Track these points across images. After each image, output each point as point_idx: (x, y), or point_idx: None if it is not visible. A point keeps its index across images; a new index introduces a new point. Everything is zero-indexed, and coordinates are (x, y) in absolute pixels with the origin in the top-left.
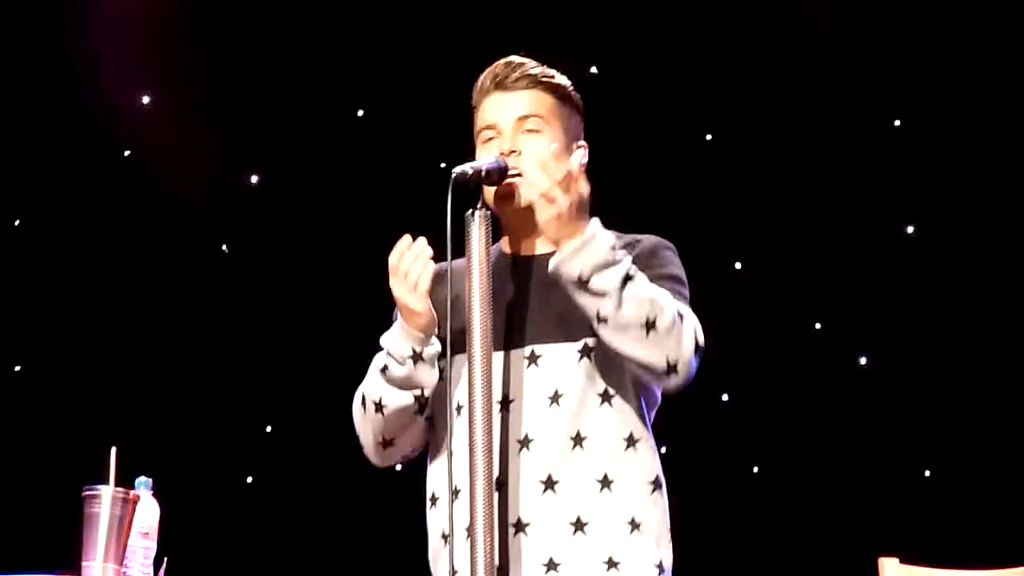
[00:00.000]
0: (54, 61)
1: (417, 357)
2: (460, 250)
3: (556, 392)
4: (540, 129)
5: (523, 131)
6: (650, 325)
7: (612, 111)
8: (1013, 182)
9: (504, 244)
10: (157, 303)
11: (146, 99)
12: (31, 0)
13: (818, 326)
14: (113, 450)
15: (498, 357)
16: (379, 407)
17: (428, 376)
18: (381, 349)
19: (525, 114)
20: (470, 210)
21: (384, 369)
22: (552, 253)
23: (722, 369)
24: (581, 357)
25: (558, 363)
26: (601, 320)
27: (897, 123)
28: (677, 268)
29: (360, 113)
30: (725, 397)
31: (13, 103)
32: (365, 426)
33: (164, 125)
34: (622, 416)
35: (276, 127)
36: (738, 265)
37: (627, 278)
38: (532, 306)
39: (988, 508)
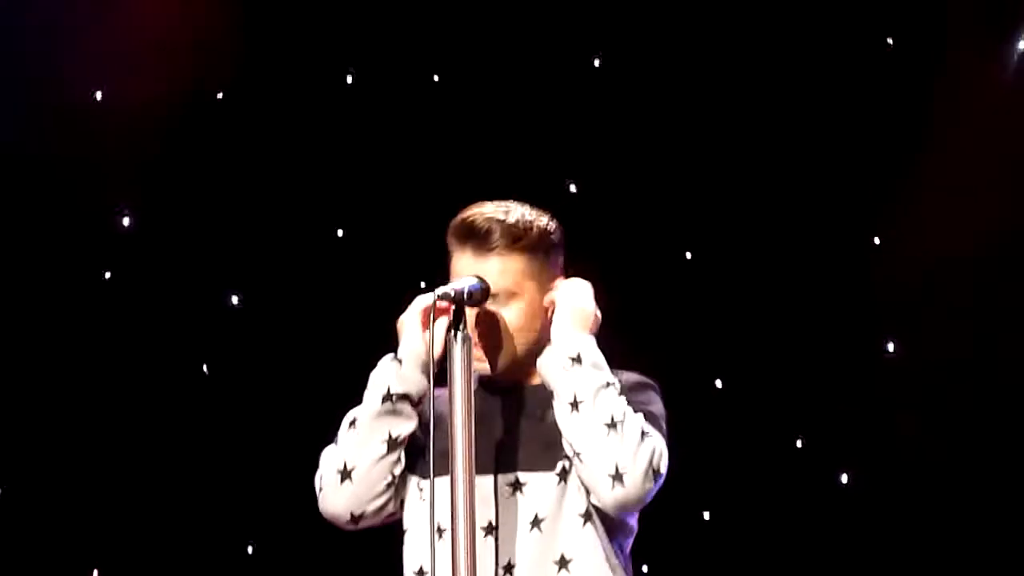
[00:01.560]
0: (36, 179)
1: (396, 360)
2: (442, 370)
3: (536, 516)
4: (511, 300)
5: (495, 304)
6: (612, 425)
7: (589, 233)
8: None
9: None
10: (138, 425)
11: (126, 221)
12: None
13: (799, 444)
14: (95, 573)
15: (485, 482)
16: (352, 422)
17: (397, 380)
18: None
19: (497, 291)
20: (452, 331)
21: (366, 391)
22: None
23: (703, 486)
24: (559, 480)
25: (540, 490)
26: (575, 405)
27: (877, 241)
28: (657, 406)
29: (340, 233)
30: (707, 515)
31: None
32: (331, 461)
33: (143, 247)
34: (603, 536)
35: (256, 247)
36: (719, 383)
37: (610, 384)
38: (518, 434)
39: None
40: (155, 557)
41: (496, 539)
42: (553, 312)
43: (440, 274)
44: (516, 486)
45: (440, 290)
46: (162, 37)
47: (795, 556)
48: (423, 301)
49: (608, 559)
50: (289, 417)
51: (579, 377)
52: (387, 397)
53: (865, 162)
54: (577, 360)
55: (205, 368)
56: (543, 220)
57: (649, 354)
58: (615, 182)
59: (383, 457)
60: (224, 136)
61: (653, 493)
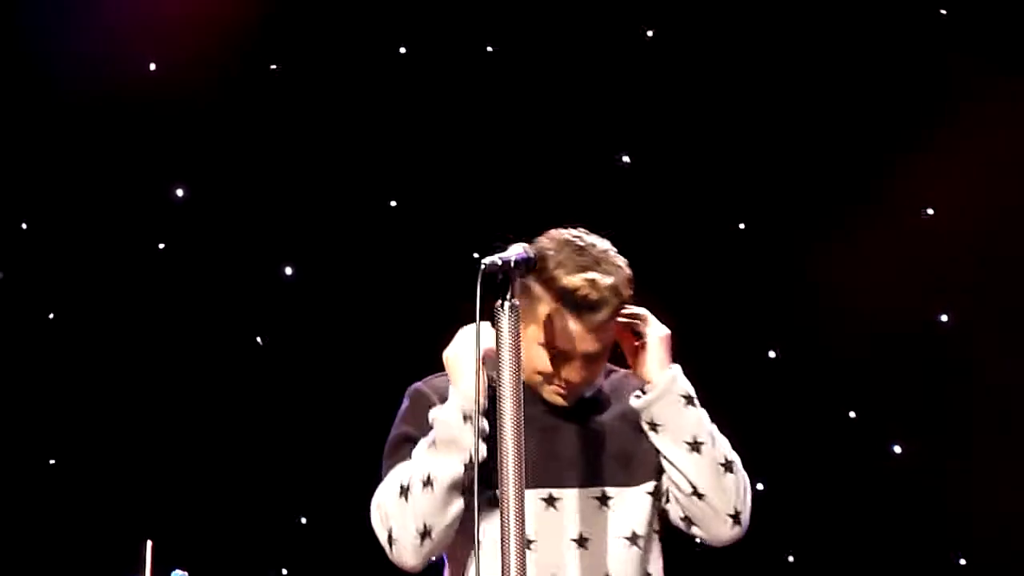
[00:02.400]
0: (91, 149)
1: (467, 419)
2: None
3: (634, 533)
4: (601, 355)
5: (589, 361)
6: (727, 466)
7: (647, 200)
8: None
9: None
10: (193, 396)
11: (180, 192)
12: (66, 89)
13: (852, 414)
14: (149, 544)
15: (570, 494)
16: (427, 483)
17: (473, 442)
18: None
19: (596, 352)
20: (499, 301)
21: (432, 443)
22: (591, 398)
23: (757, 456)
24: (651, 499)
25: (630, 505)
26: (694, 446)
27: (931, 212)
28: None
29: (393, 204)
30: (760, 486)
31: (44, 197)
32: (405, 517)
33: (198, 218)
34: (663, 552)
35: (309, 219)
36: (772, 354)
37: (711, 421)
38: (595, 448)
39: None
40: (209, 528)
41: (589, 551)
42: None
43: (488, 243)
44: (603, 500)
45: (488, 259)
46: (216, 8)
47: (847, 526)
48: (471, 337)
49: (664, 568)
50: (343, 388)
51: (695, 417)
52: (469, 465)
53: (921, 133)
54: (689, 400)
55: (259, 339)
56: (625, 264)
57: (704, 324)
58: (668, 153)
59: (461, 510)
60: (278, 108)
61: None
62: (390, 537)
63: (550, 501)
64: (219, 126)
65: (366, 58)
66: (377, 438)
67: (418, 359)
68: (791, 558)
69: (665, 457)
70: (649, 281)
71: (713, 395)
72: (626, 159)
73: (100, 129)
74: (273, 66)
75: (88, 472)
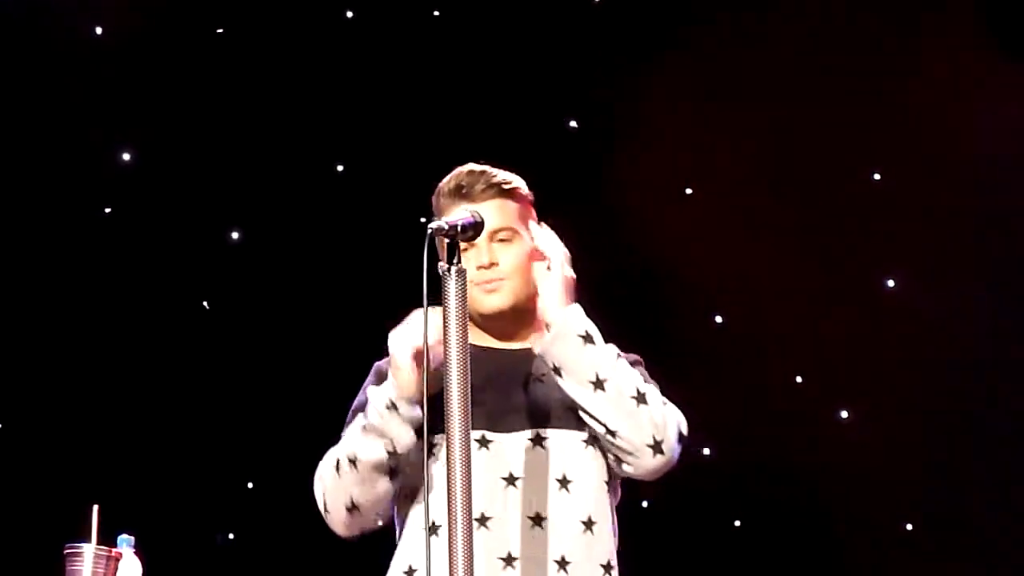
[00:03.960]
0: (36, 116)
1: (393, 407)
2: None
3: (564, 476)
4: (511, 239)
5: (496, 241)
6: (639, 398)
7: (590, 169)
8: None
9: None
10: (139, 360)
11: (126, 156)
12: (11, 52)
13: (799, 379)
14: (95, 508)
15: (504, 438)
16: (353, 462)
17: (400, 431)
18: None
19: (497, 227)
20: (446, 265)
21: (363, 426)
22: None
23: (704, 422)
24: (587, 445)
25: (566, 448)
26: (598, 384)
27: (877, 176)
28: (649, 379)
29: (339, 168)
30: (707, 451)
31: None
32: (336, 490)
33: (144, 182)
34: (613, 502)
35: (256, 183)
36: (719, 319)
37: (619, 355)
38: (532, 392)
39: (970, 564)
40: (156, 492)
41: (520, 490)
42: (538, 276)
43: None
44: (537, 440)
45: (434, 223)
46: None
47: (794, 492)
48: (407, 338)
49: (614, 522)
50: (289, 352)
51: (595, 355)
52: (392, 453)
53: (864, 87)
54: (588, 338)
55: (206, 304)
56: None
57: (650, 289)
58: (616, 117)
59: (387, 490)
60: (224, 72)
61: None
62: (324, 506)
63: (483, 442)
64: (165, 90)
65: (313, 22)
66: (323, 401)
67: (364, 324)
68: (737, 523)
69: (575, 403)
70: (597, 245)
71: (659, 360)
72: (573, 124)
73: (46, 94)
74: (219, 30)
75: (34, 436)
